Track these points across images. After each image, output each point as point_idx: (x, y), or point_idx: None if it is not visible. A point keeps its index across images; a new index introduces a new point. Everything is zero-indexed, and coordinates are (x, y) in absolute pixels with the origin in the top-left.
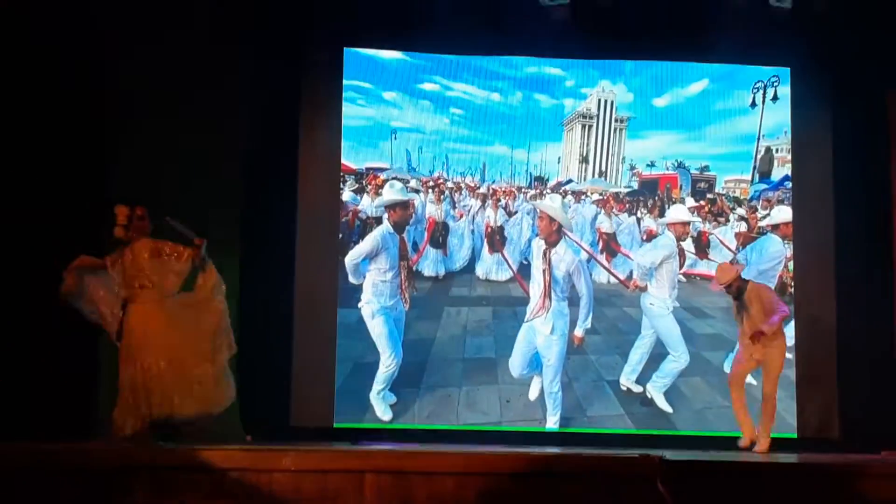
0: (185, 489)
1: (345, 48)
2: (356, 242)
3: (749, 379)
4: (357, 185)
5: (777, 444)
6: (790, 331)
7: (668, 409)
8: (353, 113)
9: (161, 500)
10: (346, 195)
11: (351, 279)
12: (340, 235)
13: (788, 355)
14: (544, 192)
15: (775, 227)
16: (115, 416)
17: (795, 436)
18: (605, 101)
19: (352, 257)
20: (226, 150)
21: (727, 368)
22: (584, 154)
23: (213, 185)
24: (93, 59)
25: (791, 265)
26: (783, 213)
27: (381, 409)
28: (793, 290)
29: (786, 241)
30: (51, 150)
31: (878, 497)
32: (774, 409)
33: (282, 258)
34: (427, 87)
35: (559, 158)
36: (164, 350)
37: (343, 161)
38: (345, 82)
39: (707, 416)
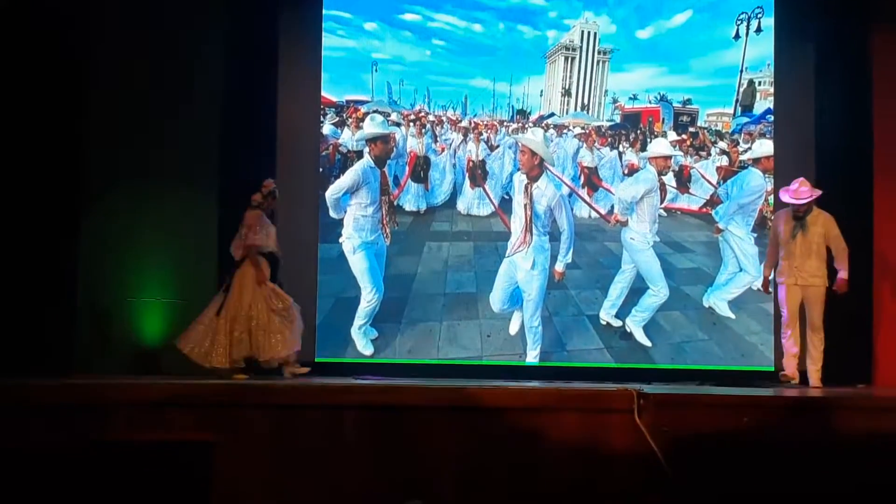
0: (169, 422)
1: None
2: (337, 177)
3: (727, 312)
4: (337, 119)
5: (755, 377)
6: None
7: (647, 343)
8: (332, 44)
9: (143, 433)
10: (327, 128)
11: (332, 214)
12: (321, 169)
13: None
14: (526, 125)
15: (756, 161)
16: (213, 352)
17: (773, 369)
18: (589, 33)
19: (332, 192)
20: (205, 83)
21: (706, 303)
22: (567, 87)
23: (192, 120)
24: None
25: (771, 199)
26: (765, 147)
27: (363, 343)
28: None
29: (767, 175)
30: (23, 95)
31: (851, 428)
32: (822, 342)
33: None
34: (408, 17)
35: (541, 92)
36: (263, 300)
37: (323, 93)
38: (324, 12)
39: (685, 350)
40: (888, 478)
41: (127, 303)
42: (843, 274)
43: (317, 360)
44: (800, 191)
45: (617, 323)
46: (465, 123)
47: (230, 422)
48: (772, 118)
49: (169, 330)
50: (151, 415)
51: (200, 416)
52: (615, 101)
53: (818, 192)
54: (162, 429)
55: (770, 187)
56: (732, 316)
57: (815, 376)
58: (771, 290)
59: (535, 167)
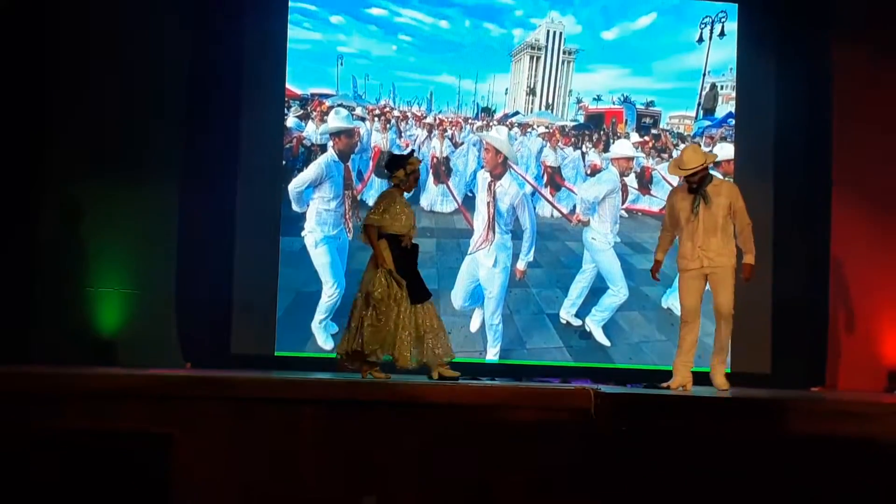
0: (127, 413)
1: None
2: (300, 170)
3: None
4: (302, 112)
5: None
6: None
7: (606, 343)
8: (298, 36)
9: (100, 424)
10: (291, 121)
11: (294, 207)
12: (284, 162)
13: None
14: (491, 123)
15: (717, 164)
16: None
17: (729, 370)
18: (554, 33)
19: (295, 185)
20: (168, 73)
21: (665, 304)
22: (532, 86)
23: (154, 110)
24: None
25: None
26: (725, 151)
27: (323, 338)
28: None
29: (727, 178)
30: None
31: (806, 431)
32: (730, 333)
33: (224, 184)
34: (374, 11)
35: (507, 90)
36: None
37: (287, 86)
38: (290, 4)
39: (643, 350)
40: (841, 481)
41: (85, 292)
42: (749, 258)
43: (276, 353)
44: (685, 159)
45: (577, 322)
46: (429, 120)
47: (189, 414)
48: (733, 122)
49: (126, 320)
50: (109, 406)
51: (159, 407)
52: (579, 101)
53: (711, 157)
54: (120, 420)
55: None
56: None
57: (720, 376)
58: (660, 277)
59: (499, 165)
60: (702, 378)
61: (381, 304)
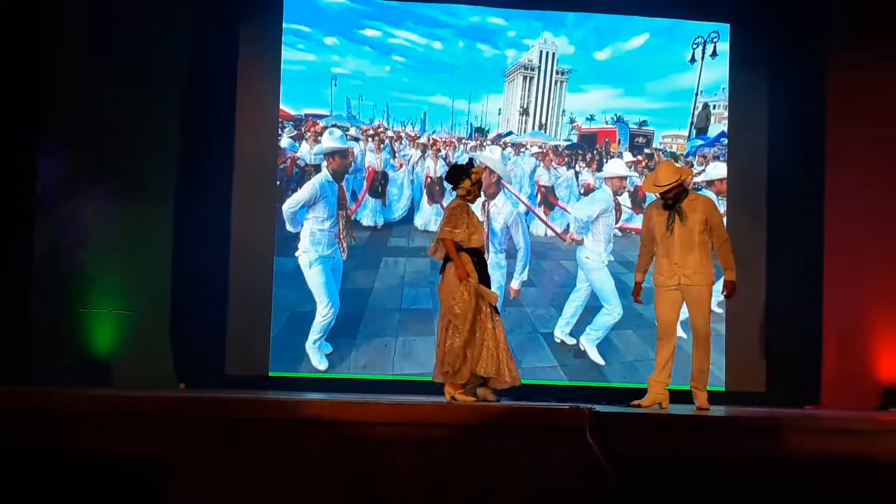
0: (122, 435)
1: None
2: (294, 190)
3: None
4: (296, 132)
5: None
6: (720, 285)
7: (601, 362)
8: (292, 57)
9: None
10: (285, 142)
11: (288, 227)
12: (278, 183)
13: (718, 309)
14: (484, 143)
15: (710, 184)
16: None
17: (724, 389)
18: (547, 54)
19: (289, 205)
20: (165, 93)
21: None
22: (525, 106)
23: (151, 131)
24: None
25: (725, 220)
26: (718, 170)
27: (317, 358)
28: None
29: (719, 197)
30: None
31: (801, 450)
32: (709, 353)
33: (218, 205)
34: (368, 33)
35: (500, 110)
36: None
37: (281, 107)
38: (284, 25)
39: (638, 369)
40: (837, 499)
41: (79, 313)
42: (729, 275)
43: (270, 374)
44: (660, 175)
45: (571, 341)
46: (423, 140)
47: (184, 435)
48: (725, 141)
49: (121, 341)
50: (104, 427)
51: (153, 429)
52: (572, 120)
53: (687, 172)
54: (115, 442)
55: (723, 209)
56: (684, 336)
57: (701, 396)
58: (642, 299)
59: (493, 185)
60: (679, 396)
61: (465, 321)
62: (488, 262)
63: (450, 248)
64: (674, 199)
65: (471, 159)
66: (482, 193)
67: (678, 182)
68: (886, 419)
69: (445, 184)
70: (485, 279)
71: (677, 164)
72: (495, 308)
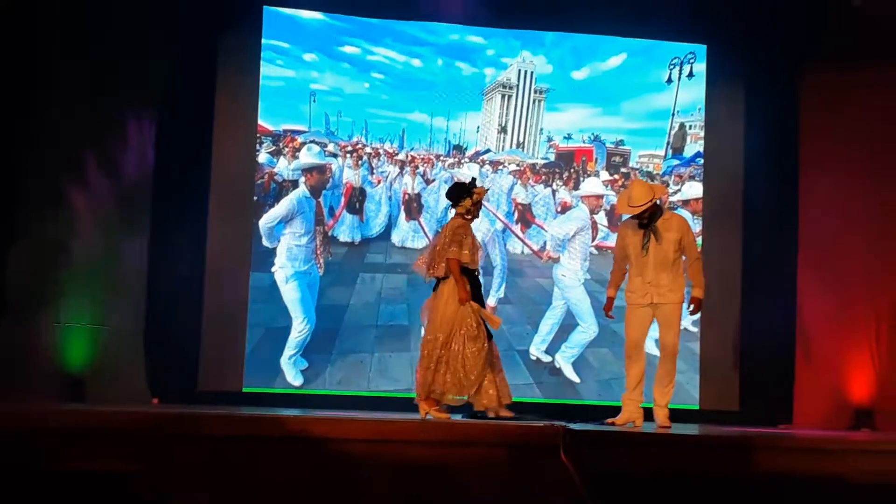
0: (92, 452)
1: (264, 6)
2: (271, 205)
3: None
4: (274, 147)
5: (679, 416)
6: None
7: (576, 379)
8: (271, 73)
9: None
10: (263, 157)
11: (265, 242)
12: (255, 198)
13: (693, 328)
14: (462, 160)
15: (686, 203)
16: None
17: (698, 407)
18: (525, 72)
19: (266, 220)
20: (141, 107)
21: None
22: (503, 124)
23: (125, 145)
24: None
25: (700, 240)
26: (694, 189)
27: (292, 374)
28: None
29: (695, 217)
30: None
31: (774, 468)
32: (675, 371)
33: (195, 219)
34: (348, 49)
35: (478, 128)
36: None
37: (260, 122)
38: (263, 41)
39: (613, 387)
40: None
41: (51, 328)
42: (697, 292)
43: (245, 389)
44: (633, 195)
45: (546, 359)
46: (401, 156)
47: (155, 452)
48: (701, 161)
49: (94, 356)
50: (74, 444)
51: (124, 446)
52: (550, 139)
53: (661, 190)
54: (85, 459)
55: (698, 228)
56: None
57: (661, 413)
58: (613, 314)
59: None
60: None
61: (475, 342)
62: None
63: (455, 269)
64: (649, 218)
65: (473, 179)
66: None
67: (652, 201)
68: (856, 439)
69: (426, 202)
70: (479, 300)
71: (650, 183)
72: (489, 333)
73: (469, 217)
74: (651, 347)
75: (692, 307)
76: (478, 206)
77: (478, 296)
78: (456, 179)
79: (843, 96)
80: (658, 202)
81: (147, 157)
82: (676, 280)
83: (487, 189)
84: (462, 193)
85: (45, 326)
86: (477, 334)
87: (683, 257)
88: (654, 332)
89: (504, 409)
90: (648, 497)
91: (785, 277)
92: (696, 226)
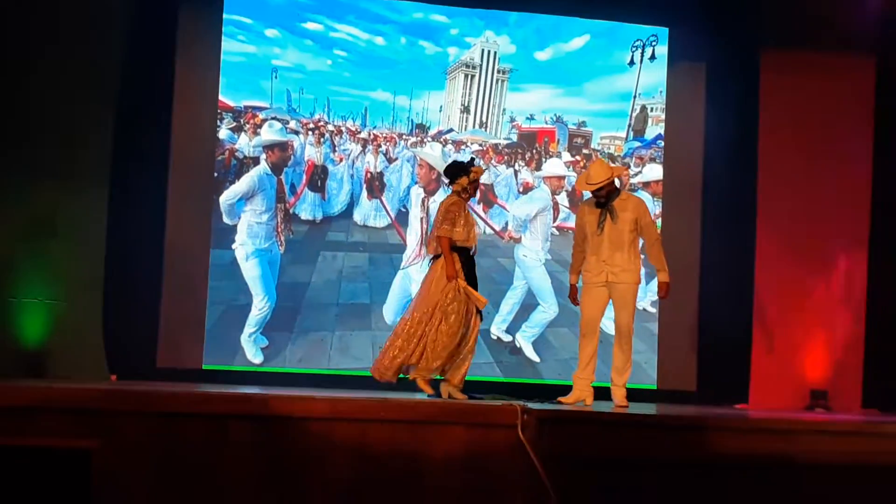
0: (46, 427)
1: None
2: (232, 182)
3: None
4: (235, 124)
5: (637, 395)
6: (653, 285)
7: (536, 359)
8: (232, 49)
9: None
10: (223, 133)
11: (225, 219)
12: (216, 174)
13: (651, 309)
14: (425, 139)
15: (646, 185)
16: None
17: (655, 387)
18: (489, 52)
19: (227, 197)
20: (99, 81)
21: None
22: (466, 104)
23: (84, 118)
24: None
25: (660, 222)
26: (654, 171)
27: (252, 352)
28: None
29: (655, 199)
30: None
31: (730, 448)
32: (630, 351)
33: (154, 195)
34: (310, 26)
35: (441, 107)
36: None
37: (221, 98)
38: (224, 16)
39: (572, 366)
40: (764, 498)
41: (8, 303)
42: (663, 276)
43: (204, 367)
44: (592, 174)
45: (507, 338)
46: (364, 135)
47: (110, 428)
48: (662, 143)
49: (51, 332)
50: (26, 419)
51: (78, 421)
52: (512, 119)
53: (619, 171)
54: (38, 434)
55: (658, 210)
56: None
57: (619, 393)
58: (579, 299)
59: (433, 181)
60: (603, 393)
61: (455, 319)
62: (426, 257)
63: (445, 246)
64: (605, 197)
65: (472, 158)
66: (423, 190)
67: (609, 180)
68: (810, 419)
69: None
70: (472, 279)
71: (611, 164)
72: (479, 312)
73: (465, 195)
74: (609, 327)
75: (661, 292)
76: (475, 184)
77: (471, 274)
78: (419, 159)
79: (801, 80)
80: (617, 182)
81: (104, 131)
82: (632, 261)
83: (485, 169)
84: (459, 171)
85: (1, 301)
86: (455, 312)
87: (641, 240)
88: (611, 311)
89: (459, 392)
90: (605, 475)
91: (743, 259)
92: (656, 207)
